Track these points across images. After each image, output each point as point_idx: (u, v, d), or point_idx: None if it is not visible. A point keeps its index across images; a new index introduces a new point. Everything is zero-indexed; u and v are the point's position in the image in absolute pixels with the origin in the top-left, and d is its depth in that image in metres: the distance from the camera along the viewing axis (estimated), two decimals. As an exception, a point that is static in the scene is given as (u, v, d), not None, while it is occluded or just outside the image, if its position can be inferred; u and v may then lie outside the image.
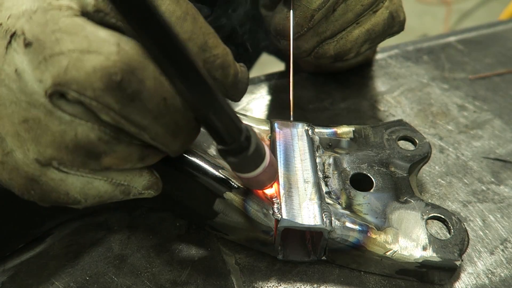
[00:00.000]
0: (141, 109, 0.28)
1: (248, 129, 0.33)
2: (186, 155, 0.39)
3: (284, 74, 0.64)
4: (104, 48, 0.27)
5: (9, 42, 0.28)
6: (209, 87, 0.28)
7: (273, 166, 0.37)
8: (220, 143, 0.32)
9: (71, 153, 0.29)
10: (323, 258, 0.40)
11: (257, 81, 0.63)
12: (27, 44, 0.27)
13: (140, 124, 0.29)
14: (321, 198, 0.40)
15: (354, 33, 0.46)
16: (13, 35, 0.28)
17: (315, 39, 0.46)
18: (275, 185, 0.41)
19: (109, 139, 0.29)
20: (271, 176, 0.37)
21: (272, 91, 0.62)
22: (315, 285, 0.39)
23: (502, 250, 0.42)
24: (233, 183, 0.38)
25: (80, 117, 0.28)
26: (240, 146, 0.32)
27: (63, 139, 0.28)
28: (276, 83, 0.63)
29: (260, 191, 0.40)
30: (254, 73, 0.70)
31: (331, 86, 0.62)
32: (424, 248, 0.38)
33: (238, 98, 0.37)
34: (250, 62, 0.85)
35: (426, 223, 0.39)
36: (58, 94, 0.27)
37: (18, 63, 0.28)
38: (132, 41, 0.28)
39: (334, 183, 0.42)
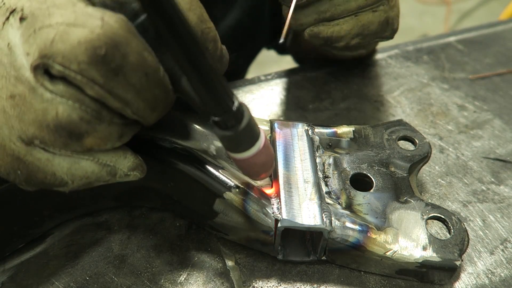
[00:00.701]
0: (125, 84, 0.29)
1: (241, 103, 0.32)
2: (186, 155, 0.39)
3: (284, 74, 0.64)
4: (89, 21, 0.28)
5: (7, 18, 0.29)
6: (201, 53, 0.28)
7: (269, 150, 0.36)
8: (212, 113, 0.32)
9: (52, 133, 0.29)
10: (323, 258, 0.40)
11: (257, 81, 0.63)
12: (22, 19, 0.29)
13: (123, 99, 0.29)
14: (321, 198, 0.40)
15: (350, 23, 0.48)
16: (12, 11, 0.29)
17: (314, 16, 0.48)
18: (275, 185, 0.41)
19: (90, 119, 0.29)
20: (267, 162, 0.36)
21: (272, 91, 0.62)
22: (315, 285, 0.40)
23: (502, 250, 0.42)
24: (233, 183, 0.38)
25: (62, 95, 0.28)
26: (232, 117, 0.31)
27: (44, 118, 0.28)
28: (276, 83, 0.63)
29: (260, 191, 0.40)
30: (254, 73, 0.70)
31: (331, 86, 0.62)
32: (424, 248, 0.38)
33: (221, 72, 0.38)
34: (248, 58, 0.86)
35: (426, 223, 0.39)
36: (42, 69, 0.28)
37: (12, 38, 0.29)
38: (116, 16, 0.28)
39: (334, 183, 0.42)
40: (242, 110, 0.32)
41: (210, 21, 0.35)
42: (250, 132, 0.33)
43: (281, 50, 0.89)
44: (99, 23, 0.28)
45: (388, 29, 0.50)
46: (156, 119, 0.33)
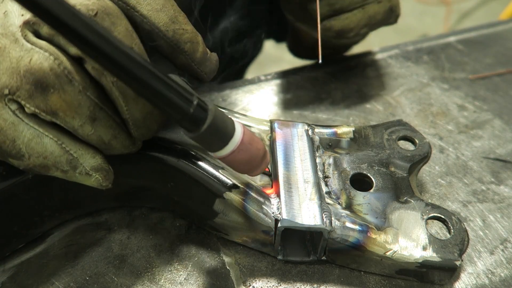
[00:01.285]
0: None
1: (205, 101, 0.32)
2: (186, 155, 0.39)
3: (284, 74, 0.64)
4: None
5: None
6: (136, 62, 0.28)
7: (251, 146, 0.35)
8: (173, 119, 0.31)
9: (20, 79, 0.29)
10: (323, 258, 0.40)
11: (257, 81, 0.63)
12: None
13: (101, 63, 0.29)
14: (321, 198, 0.40)
15: (358, 16, 0.53)
16: None
17: (326, 8, 0.52)
18: (274, 185, 0.41)
19: (61, 73, 0.29)
20: (252, 158, 0.35)
21: (272, 91, 0.62)
22: (315, 285, 0.40)
23: (502, 250, 0.42)
24: (233, 183, 0.38)
25: (41, 46, 0.30)
26: (190, 120, 0.31)
27: (17, 65, 0.29)
28: (276, 83, 0.63)
29: (260, 191, 0.40)
30: (254, 73, 0.70)
31: (331, 86, 0.62)
32: (424, 248, 0.38)
33: (207, 77, 0.38)
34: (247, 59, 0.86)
35: (426, 223, 0.39)
36: (32, 27, 0.30)
37: (9, 7, 0.31)
38: (111, 1, 0.31)
39: (334, 183, 0.42)
40: (204, 109, 0.31)
41: (187, 23, 0.35)
42: (218, 132, 0.32)
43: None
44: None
45: (392, 16, 0.55)
46: (140, 114, 0.33)
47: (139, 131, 0.34)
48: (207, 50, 0.38)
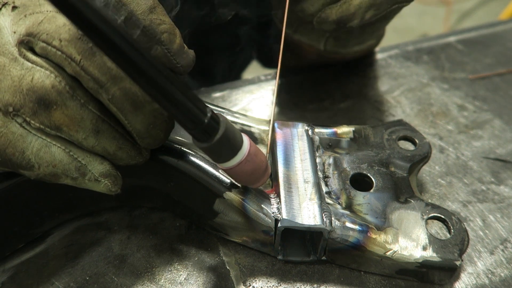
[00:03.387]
0: (101, 66, 0.30)
1: (217, 113, 0.32)
2: (186, 155, 0.39)
3: (284, 74, 0.64)
4: None
5: (0, 9, 0.32)
6: (160, 70, 0.27)
7: (256, 158, 0.35)
8: (184, 126, 0.31)
9: (23, 97, 0.30)
10: (323, 258, 0.40)
11: (257, 81, 0.63)
12: (14, 7, 0.31)
13: (98, 80, 0.30)
14: (321, 198, 0.40)
15: None
16: (4, 4, 0.32)
17: (320, 1, 0.46)
18: (275, 185, 0.41)
19: (62, 90, 0.30)
20: (256, 171, 0.36)
21: (272, 91, 0.62)
22: (315, 285, 0.39)
23: (502, 250, 0.42)
24: (232, 183, 0.38)
25: (41, 65, 0.30)
26: (204, 131, 0.31)
27: (20, 84, 0.30)
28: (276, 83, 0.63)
29: (260, 191, 0.40)
30: (254, 73, 0.70)
31: (331, 86, 0.62)
32: (424, 248, 0.38)
33: (183, 70, 0.37)
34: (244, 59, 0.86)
35: (426, 223, 0.39)
36: (27, 46, 0.30)
37: (1, 22, 0.31)
38: None
39: (334, 183, 0.42)
40: (216, 121, 0.31)
41: (165, 15, 0.35)
42: (229, 143, 0.33)
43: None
44: None
45: None
46: (144, 125, 0.32)
47: (144, 141, 0.34)
48: (184, 45, 0.37)
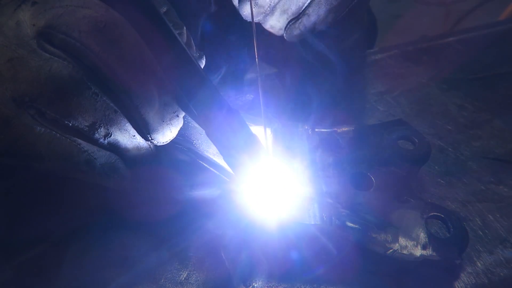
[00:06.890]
0: (119, 57, 0.30)
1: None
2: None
3: (284, 74, 0.64)
4: (96, 6, 0.31)
5: (19, 6, 0.32)
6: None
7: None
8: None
9: (41, 87, 0.30)
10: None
11: (257, 81, 0.63)
12: (34, 3, 0.32)
13: (115, 71, 0.30)
14: (321, 197, 0.40)
15: (314, 4, 0.45)
16: (24, 0, 0.32)
17: (284, 16, 0.47)
18: (274, 184, 0.41)
19: (79, 80, 0.31)
20: None
21: (272, 91, 0.62)
22: (315, 285, 0.40)
23: (502, 250, 0.42)
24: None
25: (59, 56, 0.31)
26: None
27: (38, 74, 0.30)
28: (275, 83, 0.63)
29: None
30: (254, 73, 0.70)
31: (331, 86, 0.62)
32: (424, 247, 0.38)
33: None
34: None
35: (426, 222, 0.40)
36: (46, 38, 0.31)
37: (21, 17, 0.32)
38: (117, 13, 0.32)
39: (334, 182, 0.42)
40: None
41: None
42: None
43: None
44: (104, 8, 0.31)
45: None
46: (154, 122, 0.33)
47: (153, 136, 0.34)
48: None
